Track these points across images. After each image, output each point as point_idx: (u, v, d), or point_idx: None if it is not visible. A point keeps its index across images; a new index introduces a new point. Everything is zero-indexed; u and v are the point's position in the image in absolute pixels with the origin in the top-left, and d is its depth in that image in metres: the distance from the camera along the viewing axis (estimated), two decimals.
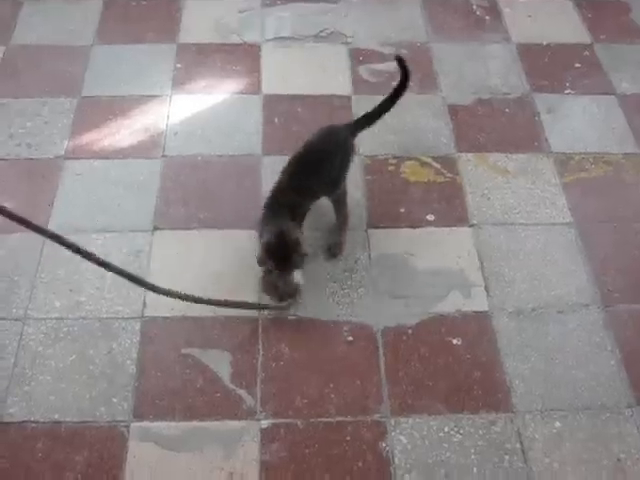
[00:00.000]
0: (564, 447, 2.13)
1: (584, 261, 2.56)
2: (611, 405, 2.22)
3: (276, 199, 2.37)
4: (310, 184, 2.38)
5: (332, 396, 2.20)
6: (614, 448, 2.14)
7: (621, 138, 2.99)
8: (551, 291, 2.48)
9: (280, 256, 2.25)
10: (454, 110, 3.05)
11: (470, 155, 2.88)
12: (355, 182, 2.71)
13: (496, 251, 2.57)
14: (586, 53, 3.35)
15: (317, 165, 2.38)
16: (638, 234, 2.67)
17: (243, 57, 3.25)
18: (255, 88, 3.10)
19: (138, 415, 2.14)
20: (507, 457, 2.10)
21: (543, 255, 2.58)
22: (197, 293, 2.25)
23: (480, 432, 2.15)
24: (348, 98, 3.07)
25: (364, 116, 2.57)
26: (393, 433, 2.13)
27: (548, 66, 3.28)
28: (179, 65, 3.20)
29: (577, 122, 3.04)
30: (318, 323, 2.34)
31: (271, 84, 3.12)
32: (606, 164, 2.88)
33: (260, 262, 2.26)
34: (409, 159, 2.84)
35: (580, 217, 2.70)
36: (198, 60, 3.23)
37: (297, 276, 2.28)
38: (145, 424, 2.13)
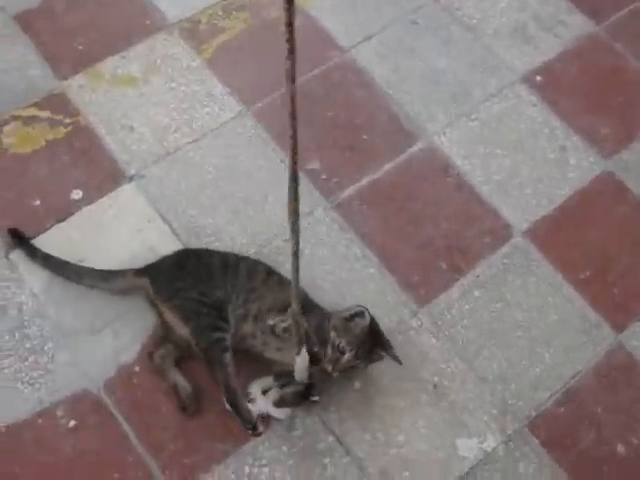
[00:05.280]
0: None
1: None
2: None
3: None
4: None
5: None
6: None
7: None
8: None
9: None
10: (26, 22, 2.21)
11: (79, 77, 2.12)
12: None
13: (175, 194, 1.95)
14: None
15: None
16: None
17: None
18: None
19: None
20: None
21: (230, 165, 2.01)
22: None
23: None
24: None
25: None
26: None
27: None
28: None
29: None
30: None
31: None
32: (240, 11, 2.27)
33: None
34: (5, 124, 2.04)
35: (245, 98, 2.12)
36: None
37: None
38: None
